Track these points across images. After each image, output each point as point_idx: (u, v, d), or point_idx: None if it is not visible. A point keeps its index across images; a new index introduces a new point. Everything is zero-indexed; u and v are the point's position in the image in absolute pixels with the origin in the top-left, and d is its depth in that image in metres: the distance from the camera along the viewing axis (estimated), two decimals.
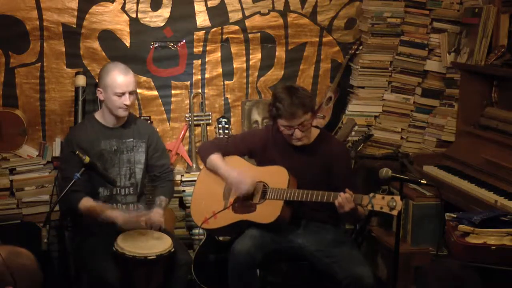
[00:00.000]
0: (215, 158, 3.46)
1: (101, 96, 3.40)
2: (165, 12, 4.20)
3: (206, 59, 4.34)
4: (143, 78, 4.26)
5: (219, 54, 4.35)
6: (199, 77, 4.35)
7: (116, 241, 3.15)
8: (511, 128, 3.67)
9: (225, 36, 4.33)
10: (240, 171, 3.37)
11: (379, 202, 2.97)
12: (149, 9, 4.18)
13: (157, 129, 3.95)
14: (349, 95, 4.53)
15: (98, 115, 3.50)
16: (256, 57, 4.41)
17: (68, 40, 4.09)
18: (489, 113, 3.91)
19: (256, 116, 4.39)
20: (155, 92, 4.31)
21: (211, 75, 4.37)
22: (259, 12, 4.34)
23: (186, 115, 4.35)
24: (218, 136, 4.16)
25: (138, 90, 4.24)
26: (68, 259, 3.56)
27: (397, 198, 2.94)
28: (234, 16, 4.31)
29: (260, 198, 3.31)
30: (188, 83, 4.34)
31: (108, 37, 4.15)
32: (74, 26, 4.09)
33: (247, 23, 4.34)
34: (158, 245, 3.18)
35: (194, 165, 4.27)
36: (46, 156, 4.10)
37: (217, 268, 3.74)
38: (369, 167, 4.05)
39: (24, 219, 3.97)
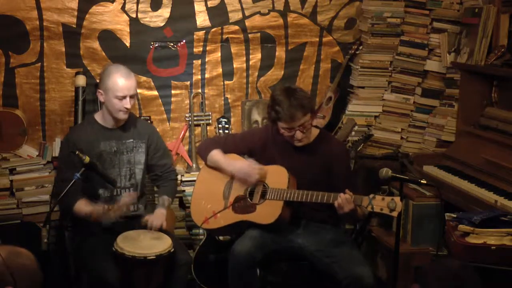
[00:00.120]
0: (216, 154, 3.45)
1: (101, 98, 3.38)
2: (165, 12, 4.20)
3: (206, 59, 4.34)
4: (143, 78, 4.27)
5: (219, 54, 4.35)
6: (199, 77, 4.35)
7: (116, 241, 3.15)
8: (511, 128, 3.67)
9: (225, 36, 4.33)
10: (243, 162, 3.36)
11: (379, 203, 2.97)
12: (149, 9, 4.18)
13: (157, 129, 3.94)
14: (349, 95, 4.53)
15: (98, 116, 3.49)
16: (256, 57, 4.41)
17: (68, 40, 4.10)
18: (489, 113, 3.91)
19: (256, 116, 4.39)
20: (155, 92, 4.31)
21: (211, 75, 4.37)
22: (259, 12, 4.35)
23: (186, 115, 4.35)
24: (218, 135, 4.17)
25: (138, 90, 4.24)
26: (68, 259, 3.56)
27: (397, 199, 2.93)
28: (234, 16, 4.31)
29: (260, 198, 3.31)
30: (188, 83, 4.34)
31: (108, 37, 4.15)
32: (74, 26, 4.09)
33: (247, 23, 4.34)
34: (157, 245, 3.18)
35: (194, 165, 4.27)
36: (46, 156, 4.10)
37: (217, 268, 3.74)
38: (369, 167, 4.05)
39: (24, 219, 3.97)
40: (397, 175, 3.15)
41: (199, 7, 4.26)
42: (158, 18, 4.20)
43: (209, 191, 3.45)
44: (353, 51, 4.47)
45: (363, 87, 4.43)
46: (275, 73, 4.46)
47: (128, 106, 3.33)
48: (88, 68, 4.14)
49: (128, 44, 4.19)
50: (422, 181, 3.15)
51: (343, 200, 3.04)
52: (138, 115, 4.18)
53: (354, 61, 4.50)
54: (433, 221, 3.59)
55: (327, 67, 4.53)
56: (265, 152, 3.42)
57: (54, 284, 3.34)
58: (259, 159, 3.45)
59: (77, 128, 3.64)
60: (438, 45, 4.31)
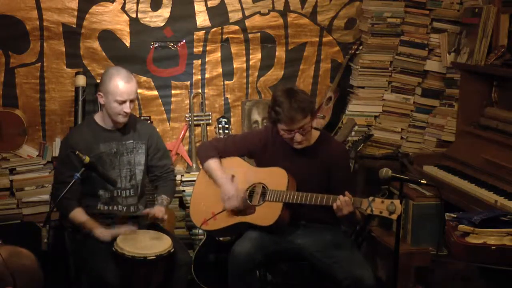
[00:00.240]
0: (212, 164, 3.43)
1: (101, 101, 3.36)
2: (165, 12, 4.20)
3: (206, 59, 4.34)
4: (143, 78, 4.27)
5: (219, 54, 4.35)
6: (199, 77, 4.35)
7: (115, 241, 3.15)
8: (511, 128, 3.67)
9: (225, 36, 4.33)
10: (234, 185, 3.34)
11: (379, 206, 2.96)
12: (149, 9, 4.18)
13: (157, 129, 3.94)
14: (349, 95, 4.53)
15: (97, 117, 3.47)
16: (256, 57, 4.41)
17: (68, 40, 4.10)
18: (489, 113, 3.91)
19: (256, 116, 4.39)
20: (155, 92, 4.31)
21: (211, 75, 4.37)
22: (259, 12, 4.35)
23: (186, 115, 4.35)
24: (218, 136, 4.16)
25: (138, 90, 4.24)
26: (68, 259, 3.55)
27: (397, 202, 2.93)
28: (234, 16, 4.31)
29: (259, 199, 3.31)
30: (188, 83, 4.34)
31: (108, 37, 4.15)
32: (74, 26, 4.09)
33: (247, 23, 4.34)
34: (157, 245, 3.17)
35: (194, 165, 4.27)
36: (46, 156, 4.10)
37: (217, 268, 3.74)
38: (369, 167, 4.05)
39: (24, 219, 3.98)
40: (397, 175, 3.14)
41: (199, 7, 4.26)
42: (158, 18, 4.20)
43: (208, 192, 3.45)
44: (353, 51, 4.47)
45: (363, 87, 4.43)
46: (275, 73, 4.46)
47: (128, 110, 3.32)
48: (88, 68, 4.14)
49: (128, 44, 4.19)
50: (422, 181, 3.14)
51: (342, 202, 3.03)
52: (138, 115, 4.18)
53: (354, 61, 4.49)
54: (433, 221, 3.59)
55: (327, 67, 4.53)
56: (265, 154, 3.41)
57: (54, 284, 3.33)
58: (259, 160, 3.45)
59: (76, 130, 3.63)
60: (438, 45, 4.31)
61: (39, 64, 4.09)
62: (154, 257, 3.09)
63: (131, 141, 3.47)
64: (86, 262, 3.26)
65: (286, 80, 4.44)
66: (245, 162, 3.50)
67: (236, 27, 4.33)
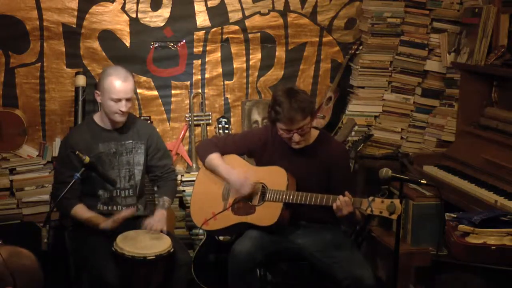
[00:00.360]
0: (215, 158, 3.44)
1: (98, 99, 3.37)
2: (165, 12, 4.20)
3: (206, 59, 4.34)
4: (143, 78, 4.27)
5: (219, 54, 4.35)
6: (199, 77, 4.35)
7: (115, 241, 3.15)
8: (511, 128, 3.67)
9: (225, 36, 4.33)
10: (240, 171, 3.36)
11: (379, 206, 2.96)
12: (149, 9, 4.18)
13: (157, 129, 3.94)
14: (349, 95, 4.53)
15: (96, 117, 3.48)
16: (256, 57, 4.41)
17: (68, 40, 4.10)
18: (489, 113, 3.91)
19: (256, 116, 4.39)
20: (155, 92, 4.31)
21: (211, 75, 4.37)
22: (259, 12, 4.34)
23: (186, 115, 4.35)
24: (218, 136, 4.16)
25: (138, 90, 4.25)
26: (68, 259, 3.55)
27: (397, 202, 2.92)
28: (234, 16, 4.31)
29: (259, 199, 3.31)
30: (188, 83, 4.34)
31: (108, 37, 4.15)
32: (74, 26, 4.09)
33: (247, 23, 4.34)
34: (157, 245, 3.17)
35: (194, 165, 4.27)
36: (46, 156, 4.10)
37: (217, 268, 3.74)
38: (369, 167, 4.05)
39: (24, 219, 3.98)
40: (397, 175, 3.14)
41: (199, 7, 4.26)
42: (158, 18, 4.20)
43: (209, 192, 3.45)
44: (353, 51, 4.47)
45: (363, 87, 4.43)
46: (275, 73, 4.46)
47: (123, 109, 3.32)
48: (88, 68, 4.14)
49: (128, 44, 4.19)
50: (422, 181, 3.14)
51: (342, 202, 3.03)
52: (138, 115, 4.18)
53: (354, 61, 4.49)
54: (433, 221, 3.59)
55: (327, 67, 4.53)
56: (265, 153, 3.41)
57: (54, 284, 3.33)
58: (258, 159, 3.45)
59: (76, 130, 3.63)
60: (438, 45, 4.31)
61: (39, 64, 4.09)
62: (154, 257, 3.09)
63: (130, 141, 3.47)
64: (86, 262, 3.26)
65: (286, 80, 4.44)
66: (244, 161, 3.50)
67: (236, 27, 4.33)
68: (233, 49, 4.37)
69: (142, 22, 4.19)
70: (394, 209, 2.91)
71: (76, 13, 4.07)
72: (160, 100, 4.33)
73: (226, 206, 3.36)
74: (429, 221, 3.62)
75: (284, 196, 3.20)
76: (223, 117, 4.28)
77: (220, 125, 4.18)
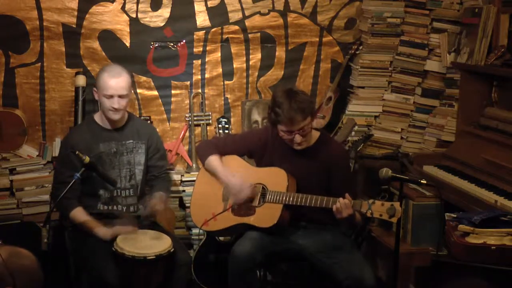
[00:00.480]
0: (214, 160, 3.44)
1: (96, 96, 3.42)
2: (165, 12, 4.20)
3: (206, 59, 4.34)
4: (143, 78, 4.27)
5: (219, 54, 4.35)
6: (199, 77, 4.35)
7: (115, 241, 3.15)
8: (511, 128, 3.66)
9: (225, 36, 4.33)
10: (239, 176, 3.34)
11: (378, 209, 2.95)
12: (149, 9, 4.18)
13: (157, 129, 3.94)
14: (349, 95, 4.53)
15: (97, 117, 3.49)
16: (256, 57, 4.41)
17: (68, 40, 4.10)
18: (489, 113, 3.91)
19: (256, 116, 4.39)
20: (155, 92, 4.31)
21: (211, 75, 4.37)
22: (259, 12, 4.34)
23: (186, 115, 4.35)
24: (218, 136, 4.16)
25: (138, 90, 4.25)
26: (68, 259, 3.56)
27: (397, 204, 2.92)
28: (234, 16, 4.31)
29: (259, 201, 3.31)
30: (188, 83, 4.34)
31: (108, 37, 4.15)
32: (74, 26, 4.09)
33: (247, 23, 4.34)
34: (157, 245, 3.18)
35: (194, 165, 4.27)
36: (46, 156, 4.10)
37: (217, 268, 3.74)
38: (369, 167, 4.05)
39: (24, 219, 3.97)
40: (397, 175, 3.14)
41: (199, 7, 4.25)
42: (158, 18, 4.20)
43: (209, 192, 3.44)
44: (353, 51, 4.46)
45: (363, 87, 4.42)
46: (275, 73, 4.46)
47: (115, 106, 3.33)
48: (88, 68, 4.14)
49: (128, 44, 4.19)
50: (422, 181, 3.14)
51: (342, 205, 3.03)
52: (138, 115, 4.18)
53: (354, 61, 4.49)
54: (433, 221, 3.59)
55: (327, 67, 4.53)
56: (265, 153, 3.41)
57: (54, 284, 3.33)
58: (258, 160, 3.45)
59: (76, 129, 3.64)
60: (438, 45, 4.30)
61: (39, 64, 4.09)
62: (154, 257, 3.09)
63: (131, 141, 3.47)
64: (86, 262, 3.26)
65: (286, 80, 4.44)
66: (244, 162, 3.50)
67: (236, 27, 4.33)
68: (233, 49, 4.37)
69: (142, 22, 4.19)
70: (394, 212, 2.91)
71: (76, 13, 4.07)
72: (160, 100, 4.32)
73: (226, 207, 3.36)
74: (429, 221, 3.62)
75: (284, 198, 3.20)
76: (223, 117, 4.28)
77: (220, 125, 4.18)
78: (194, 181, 3.66)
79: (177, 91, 4.34)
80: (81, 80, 4.06)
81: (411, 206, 3.66)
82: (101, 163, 3.33)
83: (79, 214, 3.32)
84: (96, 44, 4.14)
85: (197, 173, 3.66)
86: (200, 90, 4.36)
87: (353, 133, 4.34)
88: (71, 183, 3.02)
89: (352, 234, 3.87)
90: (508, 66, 3.73)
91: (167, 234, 3.33)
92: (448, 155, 3.98)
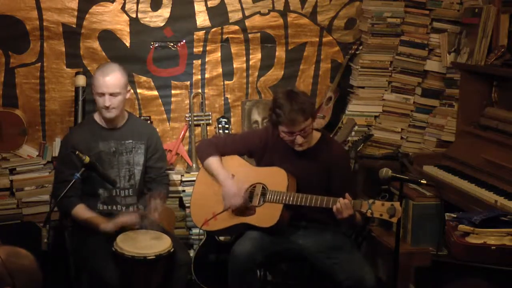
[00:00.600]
0: (213, 162, 3.44)
1: (93, 95, 3.42)
2: (165, 12, 4.20)
3: (206, 59, 4.34)
4: (143, 78, 4.27)
5: (219, 54, 4.35)
6: (199, 77, 4.35)
7: (115, 241, 3.15)
8: (511, 128, 3.66)
9: (225, 36, 4.33)
10: (236, 180, 3.34)
11: (379, 209, 2.96)
12: (149, 9, 4.18)
13: (157, 129, 3.94)
14: (349, 95, 4.53)
15: (97, 116, 3.49)
16: (256, 57, 4.40)
17: (68, 40, 4.10)
18: (489, 113, 3.90)
19: (256, 116, 4.39)
20: (155, 92, 4.31)
21: (211, 75, 4.37)
22: (259, 12, 4.34)
23: (186, 115, 4.35)
24: (218, 135, 4.16)
25: (138, 90, 4.25)
26: (68, 259, 3.56)
27: (397, 204, 2.92)
28: (234, 16, 4.31)
29: (260, 200, 3.30)
30: (188, 83, 4.34)
31: (108, 37, 4.15)
32: (74, 26, 4.09)
33: (247, 23, 4.34)
34: (157, 245, 3.17)
35: (194, 165, 4.27)
36: (46, 156, 4.10)
37: (217, 268, 3.74)
38: (369, 167, 4.05)
39: (24, 219, 3.98)
40: (397, 175, 3.14)
41: (199, 7, 4.25)
42: (158, 18, 4.20)
43: (209, 192, 3.44)
44: (353, 51, 4.47)
45: (363, 87, 4.42)
46: (275, 73, 4.46)
47: (106, 104, 3.33)
48: (88, 68, 4.14)
49: (128, 44, 4.19)
50: (422, 181, 3.15)
51: (342, 205, 3.03)
52: (138, 115, 4.18)
53: (354, 61, 4.49)
54: (433, 221, 3.59)
55: (327, 67, 4.53)
56: (265, 154, 3.41)
57: (54, 284, 3.34)
58: (259, 160, 3.45)
59: (76, 129, 3.65)
60: (438, 45, 4.30)
61: (39, 64, 4.09)
62: (154, 257, 3.09)
63: (130, 140, 3.47)
64: (86, 262, 3.26)
65: (286, 80, 4.44)
66: (245, 162, 3.50)
67: (236, 27, 4.33)
68: (233, 49, 4.37)
69: (142, 22, 4.19)
70: (394, 212, 2.91)
71: (76, 13, 4.07)
72: (160, 100, 4.32)
73: (226, 207, 3.35)
74: (429, 221, 3.62)
75: (284, 198, 3.20)
76: (223, 117, 4.28)
77: (220, 125, 4.18)
78: (194, 181, 3.66)
79: (177, 91, 4.34)
80: (81, 80, 4.06)
81: (411, 206, 3.66)
82: (100, 162, 3.32)
83: (81, 211, 3.32)
84: (96, 44, 4.14)
85: (197, 173, 3.66)
86: (200, 90, 4.36)
87: (353, 133, 4.34)
88: (71, 182, 3.02)
89: (352, 234, 3.87)
90: (508, 66, 3.73)
91: (167, 234, 3.33)
92: (448, 155, 3.98)
